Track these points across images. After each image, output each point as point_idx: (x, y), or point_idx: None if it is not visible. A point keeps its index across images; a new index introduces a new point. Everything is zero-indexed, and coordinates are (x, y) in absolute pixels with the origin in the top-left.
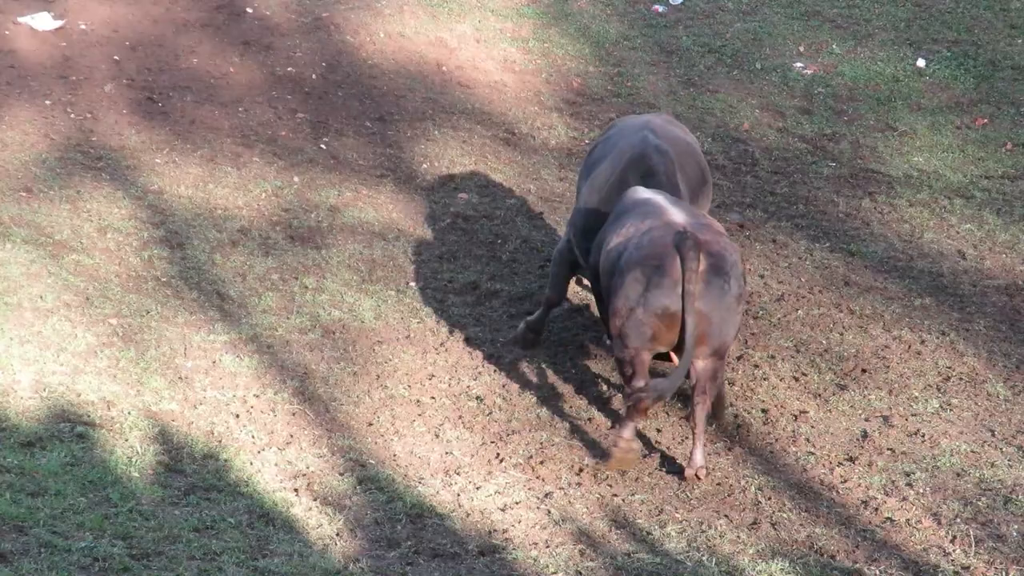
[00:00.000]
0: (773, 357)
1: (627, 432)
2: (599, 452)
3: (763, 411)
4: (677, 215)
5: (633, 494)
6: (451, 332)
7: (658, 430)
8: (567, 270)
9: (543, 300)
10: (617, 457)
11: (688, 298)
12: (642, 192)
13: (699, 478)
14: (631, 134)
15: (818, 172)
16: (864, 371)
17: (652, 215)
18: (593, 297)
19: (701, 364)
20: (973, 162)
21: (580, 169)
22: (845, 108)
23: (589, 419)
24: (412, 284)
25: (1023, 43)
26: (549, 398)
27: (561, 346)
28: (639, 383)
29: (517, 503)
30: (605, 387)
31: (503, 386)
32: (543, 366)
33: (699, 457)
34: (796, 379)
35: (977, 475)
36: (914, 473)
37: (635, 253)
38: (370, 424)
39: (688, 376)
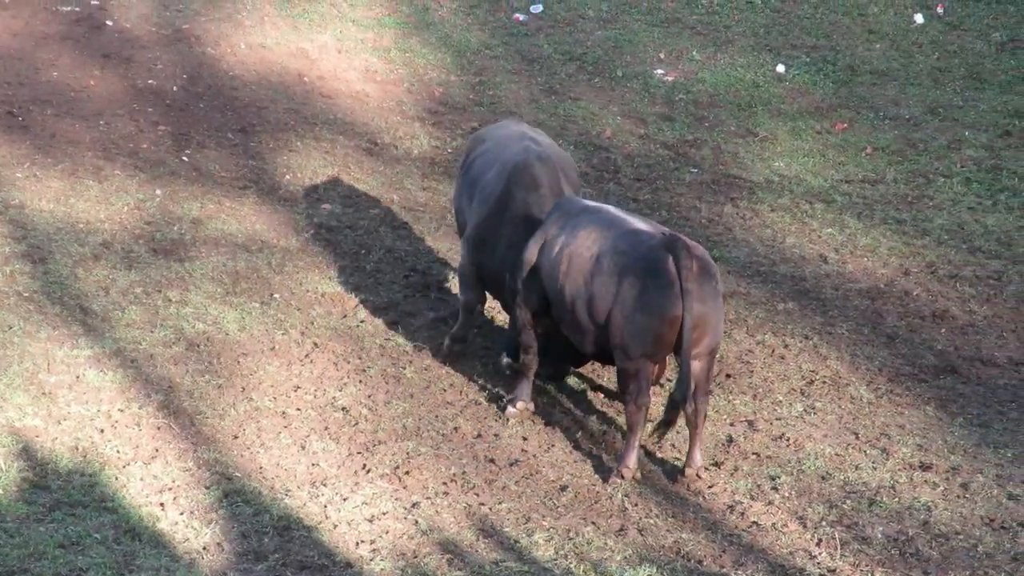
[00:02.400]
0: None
1: (632, 460)
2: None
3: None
4: (641, 222)
5: (500, 503)
6: (316, 343)
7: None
8: (475, 276)
9: (461, 307)
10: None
11: (687, 298)
12: (583, 201)
13: (699, 477)
14: (511, 144)
15: (680, 178)
16: (728, 376)
17: (615, 223)
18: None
19: (699, 364)
20: (834, 166)
21: (458, 183)
22: (706, 114)
23: (455, 429)
24: (276, 296)
25: (881, 48)
26: (415, 408)
27: (427, 355)
28: (647, 398)
29: (384, 514)
30: (471, 396)
31: (369, 397)
32: (410, 376)
33: (698, 457)
34: (660, 385)
35: (842, 478)
36: (779, 477)
37: (621, 259)
38: (236, 437)
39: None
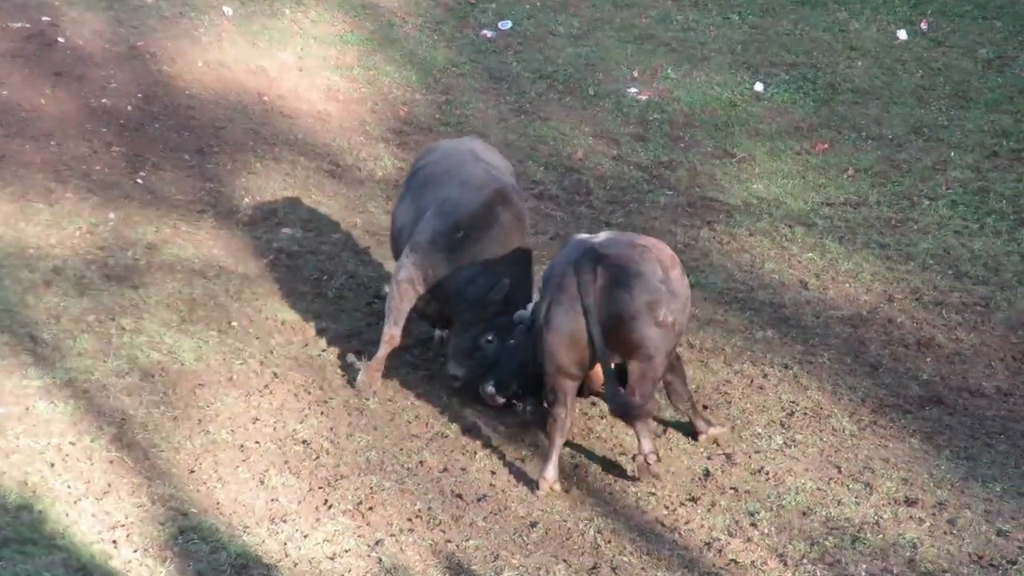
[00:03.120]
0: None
1: (551, 471)
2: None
3: (601, 450)
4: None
5: (468, 539)
6: (276, 374)
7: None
8: (412, 297)
9: (383, 338)
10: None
11: (589, 314)
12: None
13: (648, 463)
14: (467, 163)
15: (655, 201)
16: (705, 407)
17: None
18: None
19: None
20: (814, 188)
21: (400, 194)
22: (681, 134)
23: (421, 462)
24: (234, 324)
25: (863, 65)
26: (379, 441)
27: (389, 386)
28: (561, 411)
29: (347, 551)
30: (437, 428)
31: (331, 429)
32: (373, 407)
33: (647, 444)
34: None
35: (823, 513)
36: (758, 512)
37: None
38: (192, 471)
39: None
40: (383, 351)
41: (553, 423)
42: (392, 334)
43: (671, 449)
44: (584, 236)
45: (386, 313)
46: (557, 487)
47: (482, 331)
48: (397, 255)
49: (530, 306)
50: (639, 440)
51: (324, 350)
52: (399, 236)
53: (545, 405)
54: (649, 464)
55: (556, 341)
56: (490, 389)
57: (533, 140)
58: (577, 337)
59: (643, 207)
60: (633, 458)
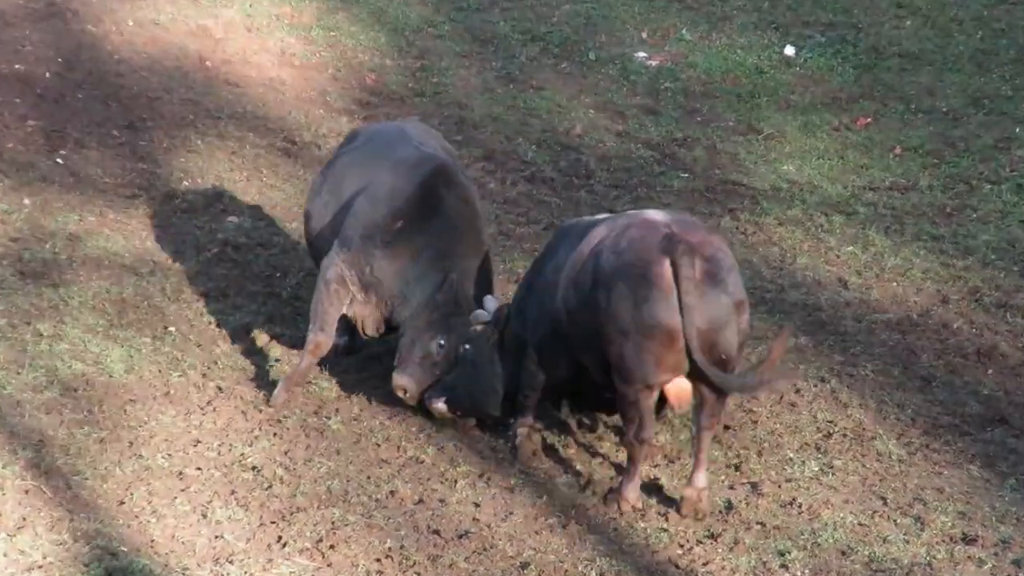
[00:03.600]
0: (613, 411)
1: (632, 491)
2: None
3: (603, 476)
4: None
5: None
6: (220, 388)
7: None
8: (341, 300)
9: (307, 348)
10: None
11: (687, 312)
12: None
13: (700, 500)
14: (397, 144)
15: (667, 185)
16: (728, 428)
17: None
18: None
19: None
20: (855, 170)
21: (316, 182)
22: (699, 107)
23: (392, 492)
24: (171, 329)
25: (912, 26)
26: (343, 468)
27: (354, 402)
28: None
29: None
30: (411, 453)
31: (285, 453)
32: (336, 427)
33: (702, 479)
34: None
35: (866, 553)
36: (790, 552)
37: (613, 261)
38: (122, 503)
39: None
40: (306, 361)
41: (637, 447)
42: (318, 341)
43: (685, 477)
44: (640, 213)
45: (311, 317)
46: (639, 505)
47: (432, 336)
48: (316, 260)
49: (490, 304)
50: (697, 469)
51: (278, 360)
52: (317, 237)
53: (623, 426)
54: (701, 500)
55: (649, 344)
56: (440, 405)
57: (523, 113)
58: (675, 338)
59: (653, 192)
60: (659, 489)
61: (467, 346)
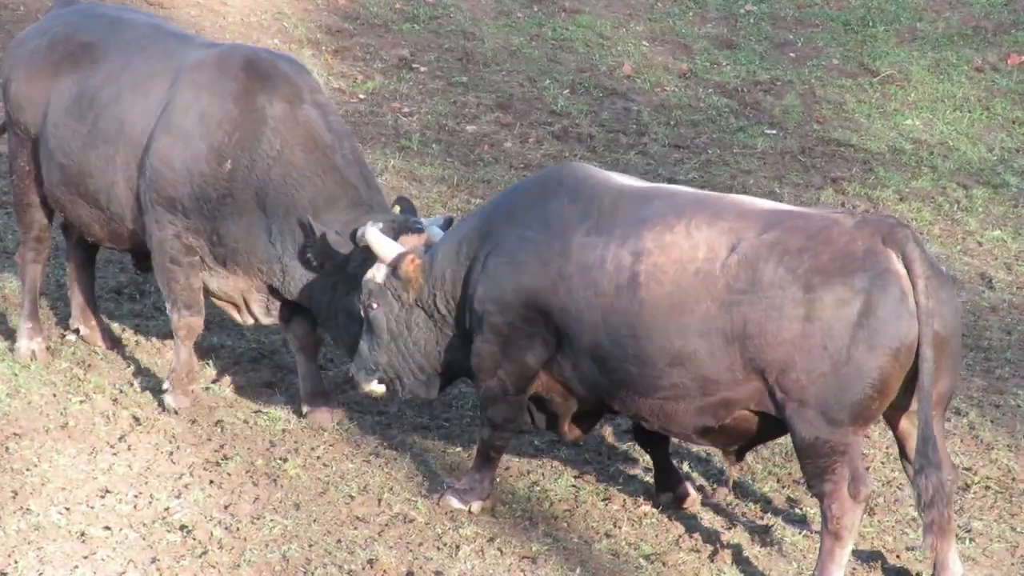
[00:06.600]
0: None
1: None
2: None
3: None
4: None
5: None
6: (137, 418)
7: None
8: (196, 276)
9: (178, 332)
10: None
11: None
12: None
13: None
14: (172, 43)
15: (747, 145)
16: None
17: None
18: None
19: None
20: (1004, 127)
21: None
22: (792, 38)
23: (370, 562)
24: (73, 336)
25: None
26: (303, 528)
27: (319, 437)
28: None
29: None
30: (397, 508)
31: (226, 508)
32: (294, 472)
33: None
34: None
35: None
36: None
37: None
38: (3, 573)
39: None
40: (185, 350)
41: (850, 513)
42: (188, 324)
43: (769, 534)
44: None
45: (167, 298)
46: None
47: (340, 295)
48: (69, 230)
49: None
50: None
51: (214, 381)
52: (79, 196)
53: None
54: None
55: (880, 365)
56: (360, 376)
57: (553, 47)
58: (907, 355)
59: (728, 155)
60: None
61: (373, 303)
